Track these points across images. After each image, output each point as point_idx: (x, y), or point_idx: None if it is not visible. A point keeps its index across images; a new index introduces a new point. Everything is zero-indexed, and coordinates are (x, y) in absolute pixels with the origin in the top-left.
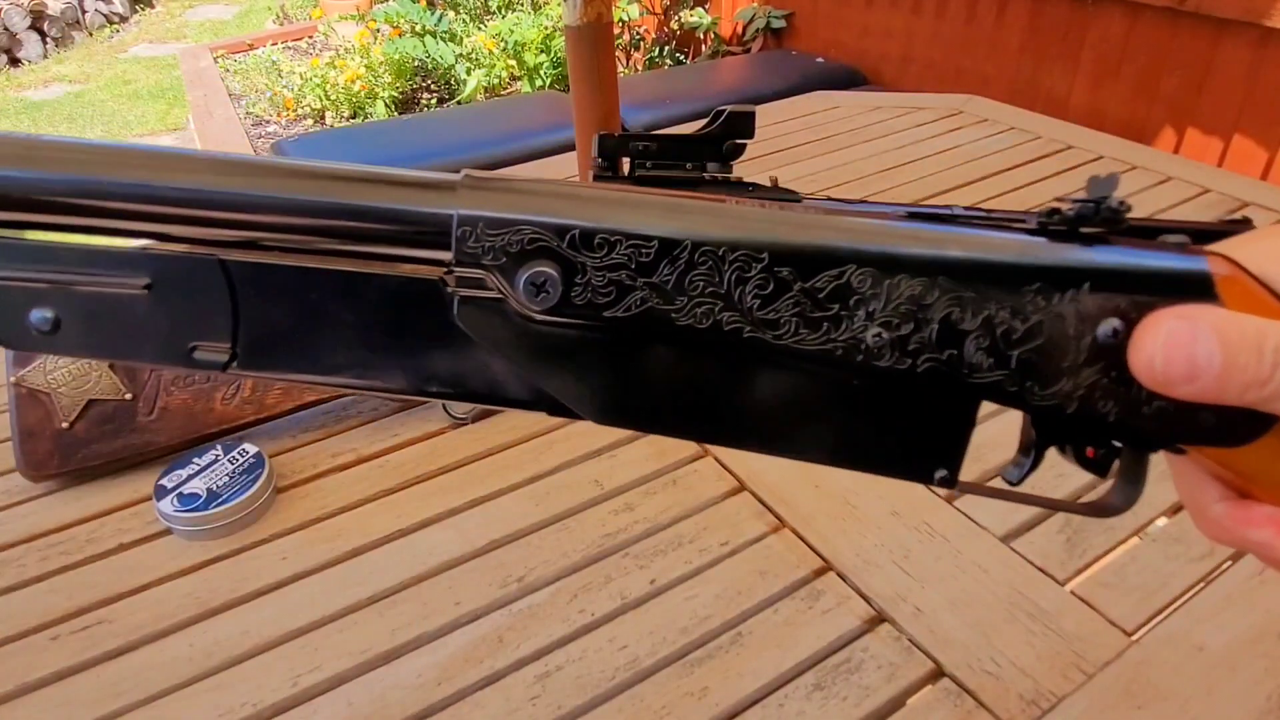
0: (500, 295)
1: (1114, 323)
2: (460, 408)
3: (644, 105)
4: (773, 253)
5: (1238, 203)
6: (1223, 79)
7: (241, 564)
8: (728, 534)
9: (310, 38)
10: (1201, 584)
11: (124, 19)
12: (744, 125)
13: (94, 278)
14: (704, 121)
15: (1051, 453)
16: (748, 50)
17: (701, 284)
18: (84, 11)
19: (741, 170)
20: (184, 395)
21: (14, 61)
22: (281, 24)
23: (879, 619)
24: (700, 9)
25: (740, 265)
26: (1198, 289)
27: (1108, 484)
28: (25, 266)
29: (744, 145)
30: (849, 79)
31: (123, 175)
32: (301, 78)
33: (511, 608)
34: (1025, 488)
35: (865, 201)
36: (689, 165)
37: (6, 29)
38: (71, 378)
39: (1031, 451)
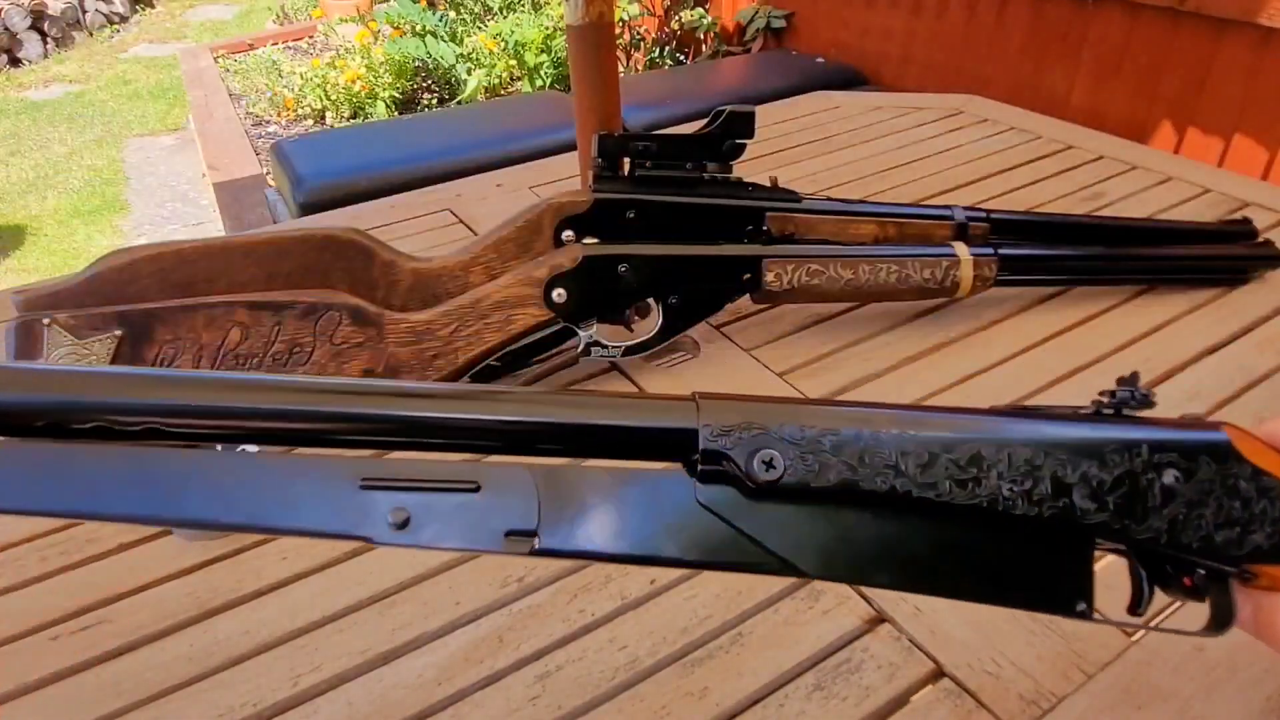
0: (734, 477)
1: (1174, 473)
2: None
3: (644, 105)
4: (921, 436)
5: (1238, 203)
6: (1223, 79)
7: (241, 564)
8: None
9: (310, 38)
10: None
11: (124, 19)
12: (744, 125)
13: (438, 483)
14: (704, 121)
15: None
16: (748, 50)
17: (879, 460)
18: (84, 11)
19: (741, 170)
20: None
21: (14, 61)
22: (281, 24)
23: (879, 619)
24: (700, 9)
25: (898, 446)
26: (1222, 448)
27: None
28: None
29: (744, 145)
30: (849, 79)
31: (499, 413)
32: (302, 78)
33: (511, 608)
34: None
35: (865, 201)
36: (689, 165)
37: (6, 29)
38: None
39: (1143, 585)
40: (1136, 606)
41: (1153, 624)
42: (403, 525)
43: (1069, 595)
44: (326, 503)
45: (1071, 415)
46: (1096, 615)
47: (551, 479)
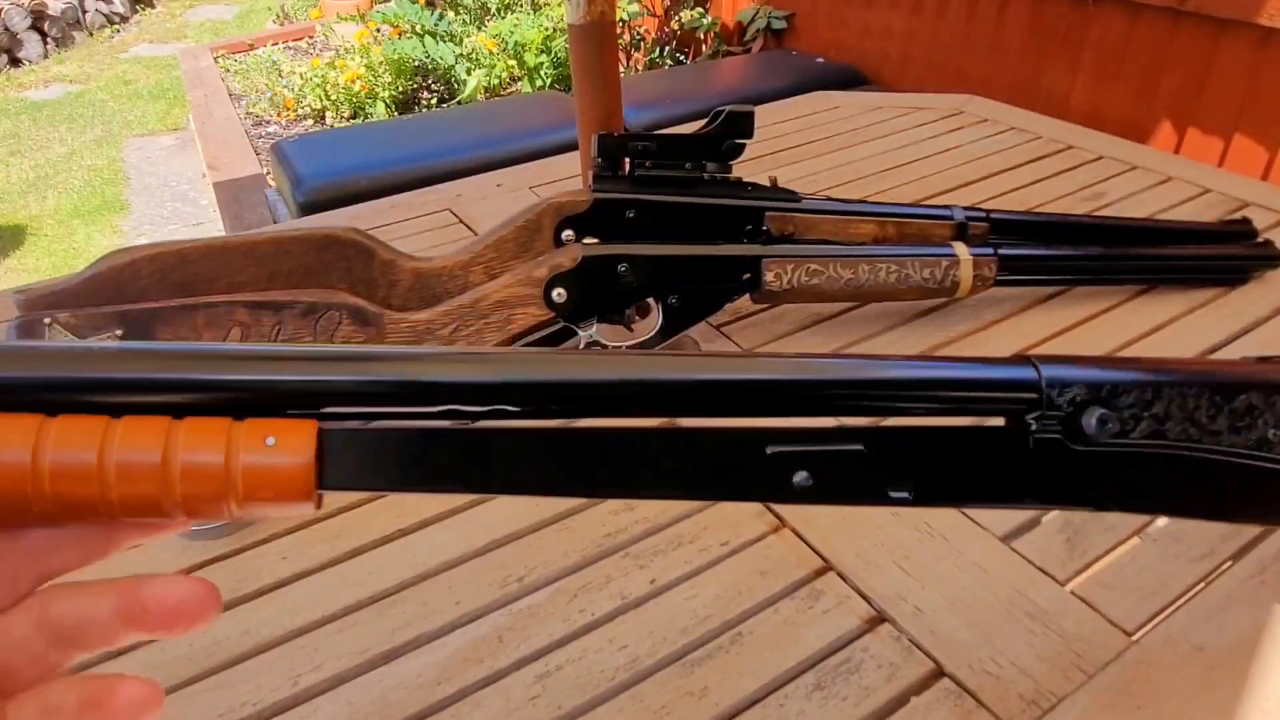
0: (1065, 429)
1: None
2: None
3: (644, 105)
4: (1210, 387)
5: (1238, 203)
6: (1223, 79)
7: (241, 564)
8: (728, 534)
9: (310, 38)
10: (1202, 584)
11: (124, 19)
12: (743, 125)
13: (830, 448)
14: (704, 121)
15: None
16: (748, 50)
17: (1178, 411)
18: (84, 11)
19: (741, 170)
20: None
21: (14, 61)
22: (281, 24)
23: (879, 619)
24: (700, 9)
25: (1194, 397)
26: None
27: None
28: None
29: (743, 145)
30: (849, 79)
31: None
32: (301, 78)
33: (511, 608)
34: None
35: (865, 201)
36: (689, 165)
37: (7, 29)
38: None
39: None
40: None
41: None
42: (803, 486)
43: None
44: (741, 469)
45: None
46: None
47: (917, 436)
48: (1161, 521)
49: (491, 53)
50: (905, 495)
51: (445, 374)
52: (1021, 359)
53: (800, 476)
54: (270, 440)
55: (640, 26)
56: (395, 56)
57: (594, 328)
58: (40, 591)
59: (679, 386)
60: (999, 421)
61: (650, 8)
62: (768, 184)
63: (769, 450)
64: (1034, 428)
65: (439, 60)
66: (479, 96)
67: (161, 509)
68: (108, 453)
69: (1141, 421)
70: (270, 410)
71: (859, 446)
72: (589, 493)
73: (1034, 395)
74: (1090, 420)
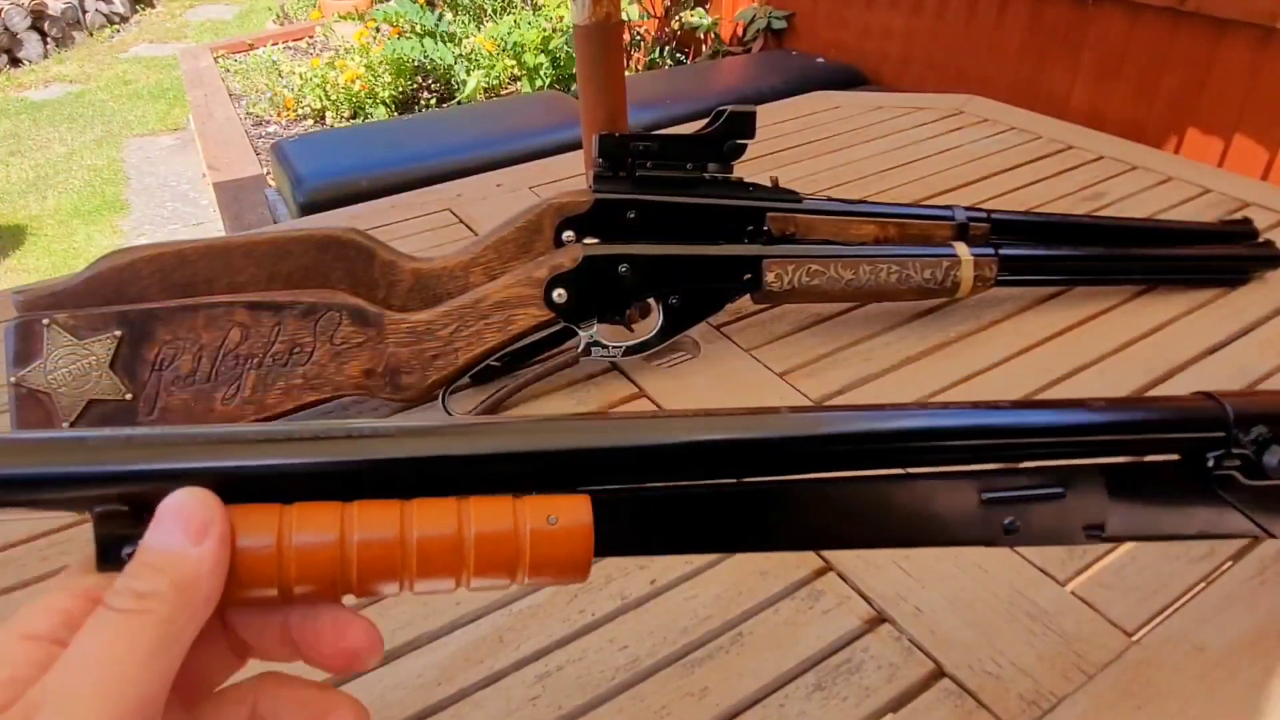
0: (1243, 467)
1: None
2: (461, 407)
3: (645, 105)
4: None
5: (1238, 203)
6: (1223, 79)
7: None
8: None
9: (310, 38)
10: (1202, 584)
11: (124, 19)
12: (744, 125)
13: (1035, 491)
14: (704, 121)
15: None
16: (748, 50)
17: None
18: (84, 11)
19: (742, 170)
20: (184, 395)
21: (14, 61)
22: (281, 24)
23: (879, 619)
24: (700, 9)
25: None
26: None
27: None
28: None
29: (744, 145)
30: (849, 79)
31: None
32: (301, 78)
33: (511, 608)
34: None
35: (865, 201)
36: (689, 165)
37: (7, 29)
38: (71, 378)
39: None
40: None
41: None
42: (1012, 530)
43: None
44: (957, 516)
45: None
46: None
47: (1114, 473)
48: None
49: (490, 53)
50: (1098, 533)
51: (696, 434)
52: (1207, 397)
53: (1009, 520)
54: (552, 519)
55: (640, 27)
56: (395, 57)
57: (594, 328)
58: (256, 681)
59: (905, 433)
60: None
61: (650, 9)
62: (769, 184)
63: (983, 496)
64: (1211, 464)
65: (438, 60)
66: (479, 96)
67: (457, 580)
68: (407, 530)
69: None
70: (546, 486)
71: (1059, 490)
72: (837, 544)
73: (1221, 434)
74: (1273, 459)
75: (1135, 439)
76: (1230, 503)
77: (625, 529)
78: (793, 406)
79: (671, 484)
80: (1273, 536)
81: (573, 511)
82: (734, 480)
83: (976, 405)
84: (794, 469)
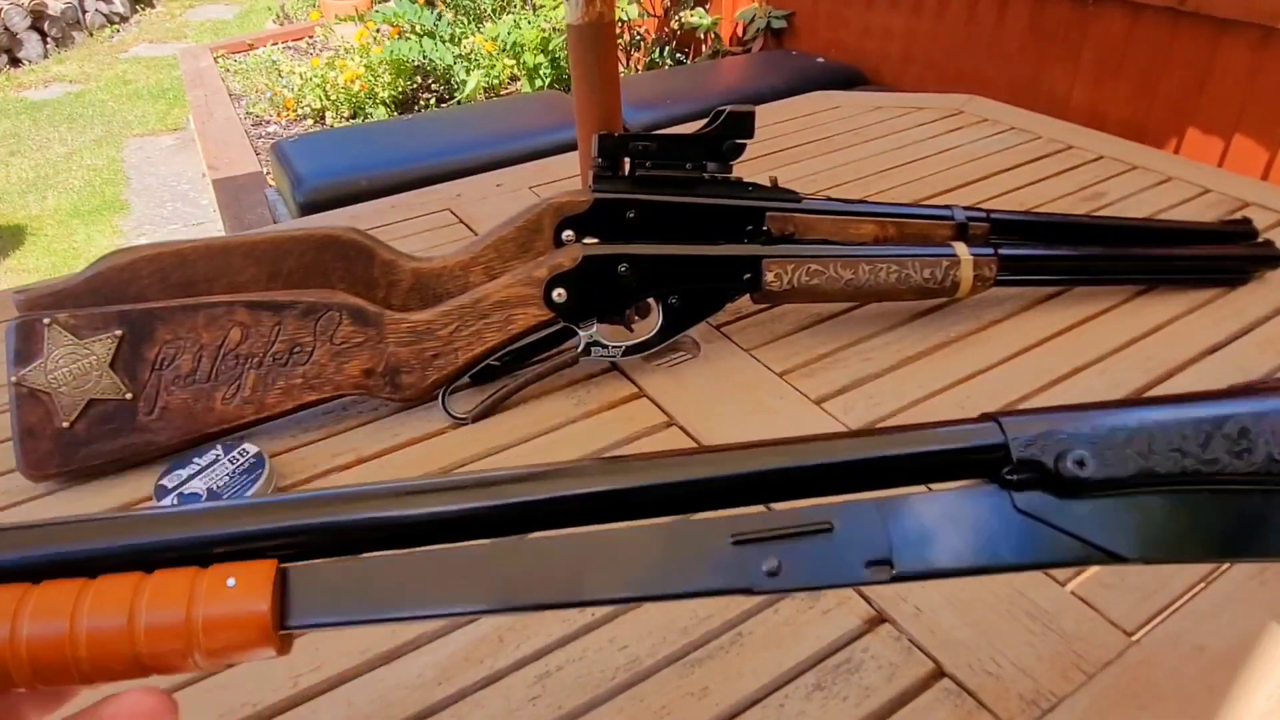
0: (1045, 481)
1: None
2: (461, 407)
3: (644, 105)
4: (1192, 415)
5: (1238, 203)
6: (1223, 79)
7: None
8: None
9: (310, 38)
10: (1202, 584)
11: (124, 19)
12: (744, 125)
13: (797, 529)
14: (704, 121)
15: None
16: (748, 50)
17: (1165, 445)
18: (84, 11)
19: (742, 170)
20: (184, 395)
21: (14, 61)
22: (281, 24)
23: (879, 619)
24: (700, 9)
25: (1178, 428)
26: None
27: None
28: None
29: (744, 145)
30: (849, 79)
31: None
32: (301, 78)
33: None
34: None
35: (865, 201)
36: (689, 165)
37: (6, 29)
38: (72, 377)
39: None
40: None
41: None
42: (775, 573)
43: None
44: (707, 562)
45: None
46: None
47: (891, 507)
48: None
49: (490, 53)
50: (886, 570)
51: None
52: (986, 418)
53: (769, 564)
54: (231, 581)
55: (640, 27)
56: (395, 57)
57: (594, 328)
58: None
59: (628, 494)
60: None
61: (650, 8)
62: (768, 184)
63: (735, 539)
64: (1013, 484)
65: (438, 60)
66: (479, 96)
67: (131, 670)
68: (78, 619)
69: (1127, 462)
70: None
71: (825, 525)
72: (578, 602)
73: (1002, 454)
74: (1073, 465)
75: (905, 468)
76: (1051, 524)
77: (324, 595)
78: (515, 470)
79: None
80: (1119, 560)
81: (254, 574)
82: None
83: (733, 450)
84: (516, 530)
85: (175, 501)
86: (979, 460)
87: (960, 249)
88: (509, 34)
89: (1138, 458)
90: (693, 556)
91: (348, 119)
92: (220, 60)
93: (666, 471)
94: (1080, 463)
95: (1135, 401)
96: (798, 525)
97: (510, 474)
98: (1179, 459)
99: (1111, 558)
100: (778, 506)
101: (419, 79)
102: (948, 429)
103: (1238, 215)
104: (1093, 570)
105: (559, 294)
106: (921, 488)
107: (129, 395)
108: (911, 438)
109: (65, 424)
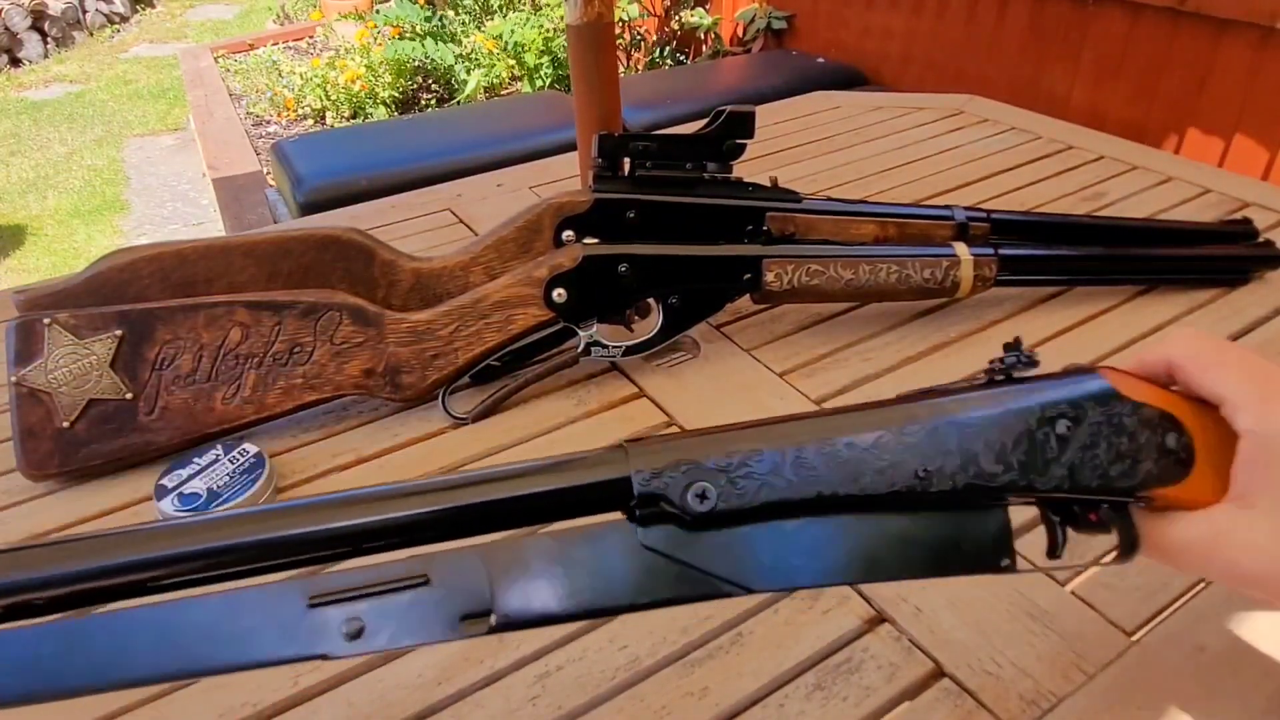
0: (672, 515)
1: (1065, 423)
2: (461, 407)
3: (644, 105)
4: (817, 432)
5: (1238, 203)
6: (1223, 79)
7: None
8: None
9: (310, 38)
10: (1202, 584)
11: (124, 19)
12: (744, 125)
13: (387, 585)
14: (704, 121)
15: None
16: (748, 50)
17: (804, 470)
18: (84, 11)
19: (742, 170)
20: (184, 395)
21: (14, 61)
22: (282, 24)
23: (879, 619)
24: (700, 9)
25: (810, 448)
26: (1103, 392)
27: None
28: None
29: (744, 145)
30: (849, 79)
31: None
32: (302, 78)
33: None
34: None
35: (865, 201)
36: (689, 165)
37: (7, 29)
38: (72, 377)
39: (1056, 530)
40: (1055, 551)
41: (1073, 564)
42: (357, 634)
43: (995, 554)
44: (278, 628)
45: (967, 387)
46: (1021, 565)
47: (497, 553)
48: None
49: (491, 53)
50: (482, 626)
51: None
52: (615, 449)
53: (351, 625)
54: None
55: (640, 27)
56: (395, 57)
57: (594, 328)
58: None
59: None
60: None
61: (650, 8)
62: (768, 184)
63: (311, 599)
64: (640, 519)
65: (438, 60)
66: (479, 96)
67: None
68: None
69: (760, 490)
70: None
71: (422, 578)
72: (147, 681)
73: (625, 489)
74: (690, 500)
75: (532, 508)
76: (678, 560)
77: None
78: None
79: None
80: (750, 591)
81: None
82: None
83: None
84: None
85: (175, 502)
86: (607, 496)
87: (960, 249)
88: (510, 33)
89: (773, 484)
90: (261, 623)
91: (348, 119)
92: (220, 60)
93: (249, 529)
94: (702, 495)
95: (779, 420)
96: (386, 581)
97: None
98: (816, 483)
99: (739, 589)
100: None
101: (419, 79)
102: (577, 463)
103: (1238, 215)
104: (1093, 570)
105: (559, 294)
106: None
107: (129, 395)
108: (538, 477)
109: (65, 424)
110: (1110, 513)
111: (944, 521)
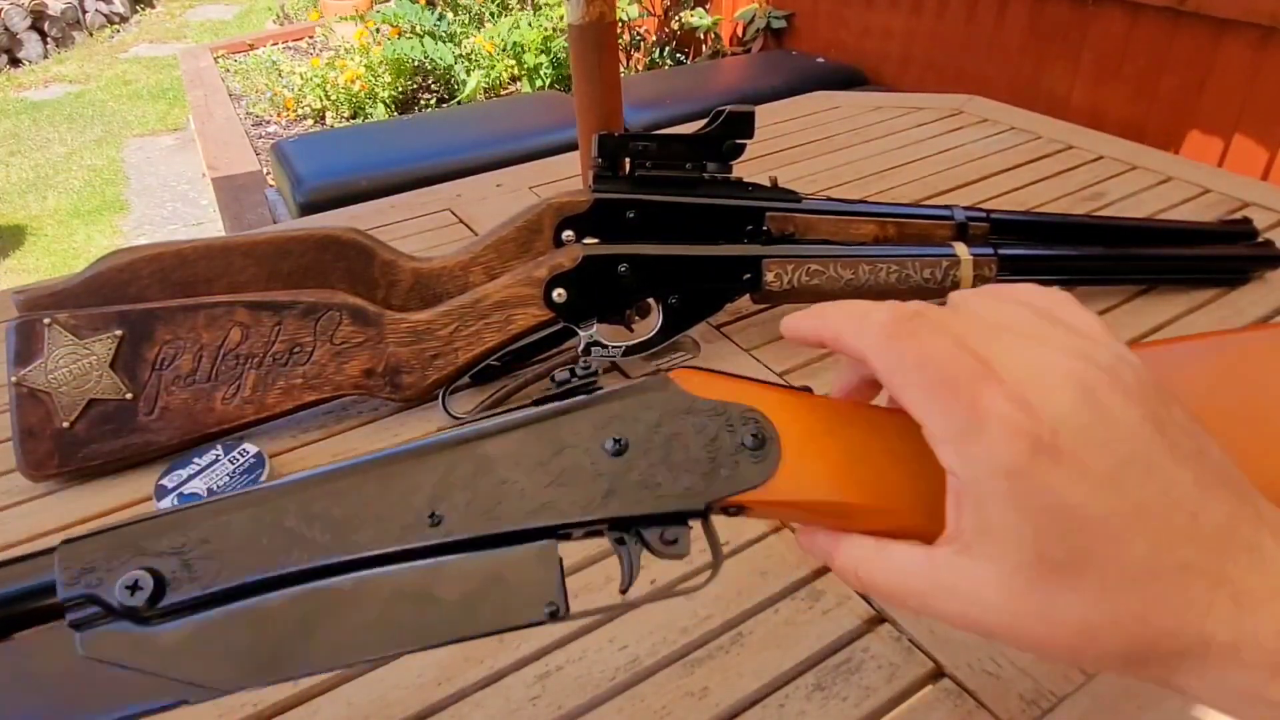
0: (115, 614)
1: (614, 442)
2: (461, 407)
3: (644, 105)
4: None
5: (1238, 203)
6: (1223, 79)
7: None
8: (728, 534)
9: (310, 38)
10: None
11: (124, 19)
12: (743, 125)
13: None
14: (704, 121)
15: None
16: (748, 50)
17: (285, 539)
18: (84, 11)
19: (741, 170)
20: (184, 395)
21: (14, 61)
22: (281, 24)
23: (879, 619)
24: (700, 9)
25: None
26: (662, 397)
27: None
28: None
29: (743, 145)
30: (849, 79)
31: None
32: (301, 78)
33: None
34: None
35: (865, 201)
36: (689, 165)
37: (7, 29)
38: (72, 377)
39: (629, 560)
40: (626, 584)
41: (638, 599)
42: None
43: (538, 602)
44: None
45: (504, 418)
46: (583, 607)
47: None
48: None
49: (490, 53)
50: None
51: None
52: (45, 552)
53: None
54: None
55: (640, 27)
56: (395, 57)
57: (594, 328)
58: None
59: None
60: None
61: (650, 8)
62: (768, 184)
63: None
64: (77, 624)
65: (438, 60)
66: (479, 96)
67: None
68: None
69: (218, 574)
70: None
71: None
72: None
73: (52, 591)
74: (117, 594)
75: None
76: (124, 666)
77: None
78: None
79: None
80: (225, 692)
81: None
82: None
83: None
84: None
85: (174, 502)
86: (39, 606)
87: (960, 249)
88: (510, 34)
89: (247, 558)
90: None
91: (348, 119)
92: (220, 60)
93: None
94: (134, 586)
95: (265, 487)
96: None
97: None
98: (305, 549)
99: (214, 692)
100: None
101: (419, 79)
102: (5, 572)
103: (1238, 215)
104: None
105: (559, 294)
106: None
107: (129, 395)
108: None
109: (65, 424)
110: (683, 530)
111: (474, 570)
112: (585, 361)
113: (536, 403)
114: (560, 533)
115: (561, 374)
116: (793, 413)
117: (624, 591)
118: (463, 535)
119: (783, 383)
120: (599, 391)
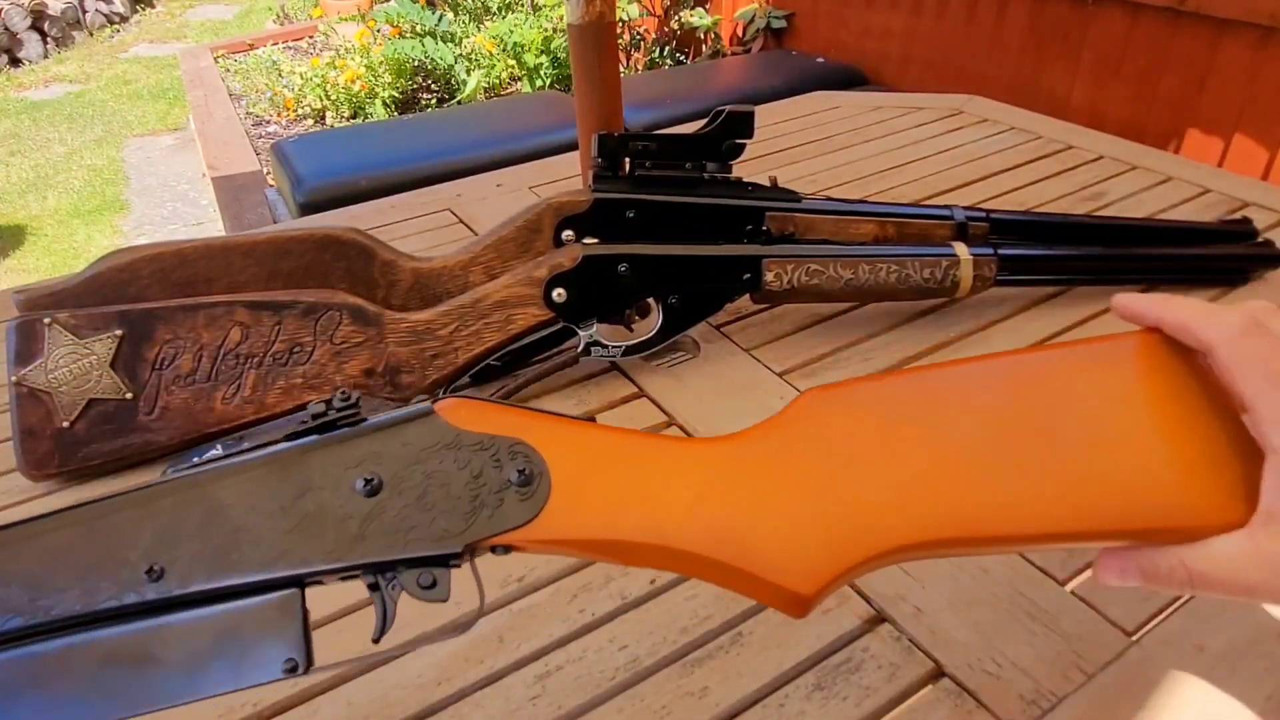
0: None
1: (364, 481)
2: None
3: (644, 105)
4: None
5: (1238, 203)
6: (1223, 79)
7: None
8: None
9: (310, 38)
10: None
11: (124, 19)
12: (743, 125)
13: None
14: (704, 121)
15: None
16: (748, 50)
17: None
18: (84, 11)
19: (741, 170)
20: (184, 395)
21: (14, 61)
22: (282, 24)
23: (879, 619)
24: (700, 9)
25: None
26: (426, 430)
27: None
28: None
29: (743, 145)
30: (849, 79)
31: None
32: (302, 78)
33: (511, 608)
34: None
35: (865, 201)
36: (689, 165)
37: (7, 29)
38: (72, 377)
39: (384, 605)
40: (379, 632)
41: (391, 649)
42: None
43: (276, 657)
44: None
45: (245, 455)
46: (327, 660)
47: None
48: None
49: (491, 53)
50: None
51: None
52: None
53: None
54: None
55: (640, 27)
56: (395, 56)
57: (594, 328)
58: None
59: None
60: None
61: (650, 8)
62: (768, 184)
63: None
64: None
65: (438, 60)
66: (479, 96)
67: None
68: None
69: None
70: None
71: None
72: None
73: None
74: None
75: None
76: None
77: None
78: None
79: None
80: None
81: None
82: None
83: None
84: None
85: None
86: None
87: (960, 249)
88: (510, 33)
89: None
90: None
91: (348, 119)
92: (220, 60)
93: None
94: None
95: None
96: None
97: None
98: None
99: None
100: None
101: (419, 79)
102: None
103: (1238, 215)
104: (1092, 570)
105: (559, 294)
106: None
107: (129, 395)
108: None
109: (65, 424)
110: (444, 573)
111: (203, 627)
112: (345, 392)
113: (288, 438)
114: (307, 581)
115: (317, 406)
116: (567, 446)
117: (376, 640)
118: (188, 590)
119: (560, 414)
120: (362, 424)
